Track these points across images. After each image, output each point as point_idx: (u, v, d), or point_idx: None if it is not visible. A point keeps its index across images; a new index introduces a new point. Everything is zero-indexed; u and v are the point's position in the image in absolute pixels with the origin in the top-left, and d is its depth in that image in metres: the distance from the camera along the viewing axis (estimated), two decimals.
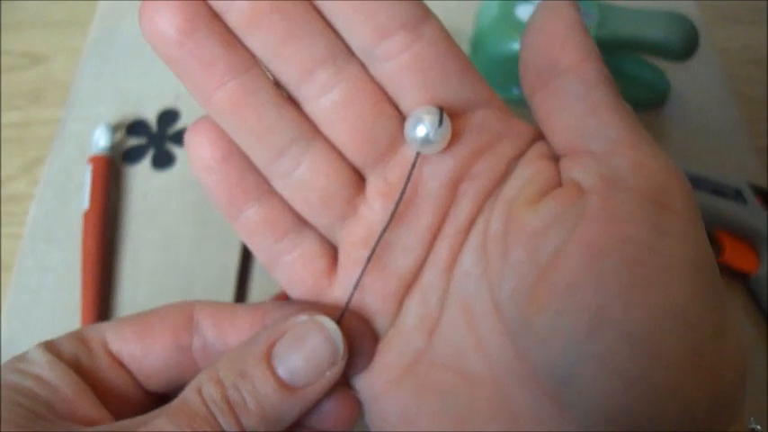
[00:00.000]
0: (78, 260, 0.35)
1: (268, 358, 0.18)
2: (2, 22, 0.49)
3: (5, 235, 0.39)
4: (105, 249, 0.36)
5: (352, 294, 0.19)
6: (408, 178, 0.19)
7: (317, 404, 0.18)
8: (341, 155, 0.19)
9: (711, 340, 0.16)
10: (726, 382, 0.16)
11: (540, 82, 0.18)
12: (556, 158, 0.19)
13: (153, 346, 0.19)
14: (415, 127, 0.18)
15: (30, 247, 0.37)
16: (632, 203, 0.16)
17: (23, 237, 0.37)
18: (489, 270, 0.18)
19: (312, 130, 0.19)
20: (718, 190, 0.35)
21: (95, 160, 0.38)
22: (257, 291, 0.35)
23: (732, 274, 0.35)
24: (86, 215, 0.36)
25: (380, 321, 0.20)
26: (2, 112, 0.45)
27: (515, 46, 0.37)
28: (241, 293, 0.35)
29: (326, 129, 0.19)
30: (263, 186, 0.20)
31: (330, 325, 0.18)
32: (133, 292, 0.35)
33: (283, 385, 0.17)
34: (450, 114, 0.18)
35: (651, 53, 0.37)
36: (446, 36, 0.18)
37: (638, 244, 0.16)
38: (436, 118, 0.18)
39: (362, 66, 0.19)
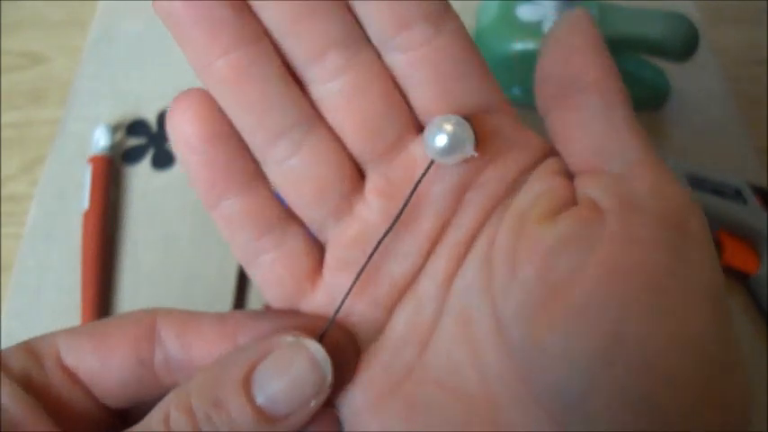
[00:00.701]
0: (78, 260, 0.35)
1: (246, 384, 0.16)
2: (2, 22, 0.49)
3: (5, 235, 0.39)
4: (105, 249, 0.36)
5: (338, 308, 0.18)
6: (416, 185, 0.18)
7: None
8: (343, 145, 0.18)
9: (724, 371, 0.15)
10: (734, 414, 0.15)
11: (558, 97, 0.18)
12: (570, 176, 0.18)
13: (111, 359, 0.17)
14: (435, 135, 0.17)
15: (30, 247, 0.37)
16: (652, 227, 0.16)
17: (23, 237, 0.37)
18: (493, 284, 0.17)
19: (315, 115, 0.18)
20: (719, 190, 0.35)
21: (95, 160, 0.38)
22: (257, 291, 0.35)
23: (732, 274, 0.35)
24: (86, 215, 0.36)
25: (365, 330, 0.18)
26: (2, 112, 0.45)
27: (515, 46, 0.37)
28: (241, 293, 0.35)
29: (331, 116, 0.18)
30: (250, 173, 0.18)
31: (318, 351, 0.17)
32: (133, 292, 0.35)
33: (263, 416, 0.16)
34: (464, 115, 0.18)
35: (651, 53, 0.37)
36: (467, 34, 0.18)
37: (659, 269, 0.15)
38: (462, 130, 0.17)
39: (377, 54, 0.18)
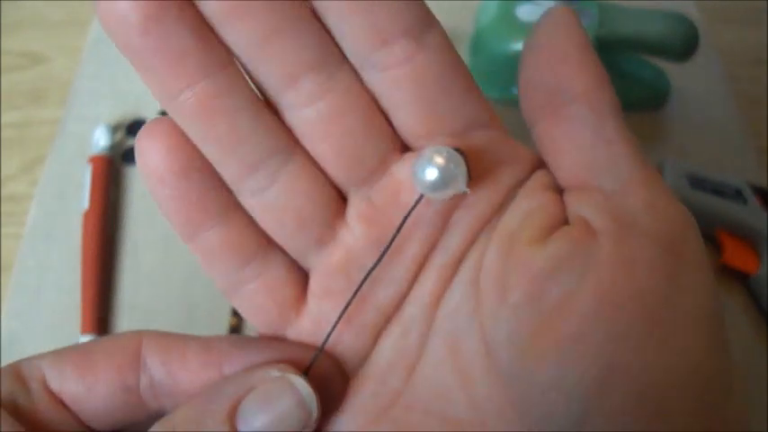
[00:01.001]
0: (78, 260, 0.35)
1: (231, 419, 0.16)
2: (2, 22, 0.49)
3: (5, 235, 0.39)
4: (105, 249, 0.36)
5: (326, 339, 0.17)
6: (404, 220, 0.17)
7: None
8: (321, 171, 0.17)
9: (724, 397, 0.15)
10: None
11: (545, 107, 0.17)
12: (559, 190, 0.17)
13: (96, 385, 0.17)
14: (425, 168, 0.16)
15: (30, 247, 0.37)
16: (647, 250, 0.15)
17: (23, 237, 0.37)
18: (482, 309, 0.17)
19: (292, 142, 0.17)
20: (719, 190, 0.35)
21: (95, 160, 0.38)
22: None
23: (732, 274, 0.35)
24: (86, 215, 0.36)
25: (352, 358, 0.18)
26: (2, 112, 0.45)
27: (515, 46, 0.37)
28: None
29: (309, 143, 0.17)
30: (225, 203, 0.17)
31: (304, 387, 0.16)
32: (133, 292, 0.35)
33: None
34: (445, 134, 0.17)
35: (651, 53, 0.37)
36: (450, 46, 0.17)
37: (654, 295, 0.15)
38: (455, 165, 0.16)
39: (355, 73, 0.17)
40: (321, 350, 0.17)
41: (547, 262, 0.16)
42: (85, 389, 0.17)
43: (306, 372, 0.17)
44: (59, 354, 0.18)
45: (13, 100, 0.46)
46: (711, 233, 0.35)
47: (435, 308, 0.18)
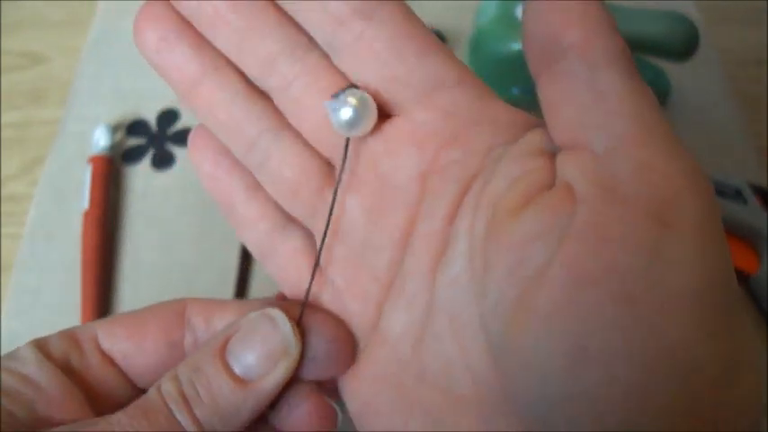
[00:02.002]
0: (78, 260, 0.35)
1: (222, 353, 0.18)
2: (2, 22, 0.49)
3: (5, 235, 0.40)
4: (105, 249, 0.36)
5: (308, 292, 0.19)
6: (343, 164, 0.18)
7: (289, 407, 0.18)
8: (309, 146, 0.20)
9: (717, 384, 0.14)
10: (734, 428, 0.14)
11: (542, 63, 0.16)
12: (554, 153, 0.16)
13: (144, 343, 0.19)
14: (332, 110, 0.18)
15: (30, 247, 0.37)
16: (628, 220, 0.14)
17: (23, 237, 0.37)
18: (475, 279, 0.16)
19: (281, 122, 0.20)
20: (719, 190, 0.35)
21: (95, 160, 0.38)
22: (257, 291, 0.35)
23: None
24: (86, 215, 0.36)
25: (360, 325, 0.19)
26: (2, 112, 0.45)
27: (515, 46, 0.37)
28: (241, 294, 0.35)
29: (294, 119, 0.20)
30: (252, 182, 0.21)
31: (279, 317, 0.18)
32: (133, 291, 0.35)
33: (236, 379, 0.17)
34: (409, 99, 0.18)
35: (651, 53, 0.37)
36: (404, 17, 0.18)
37: (628, 272, 0.14)
38: (349, 96, 0.18)
39: (326, 56, 0.19)
40: (307, 299, 0.19)
41: (521, 234, 0.15)
42: (134, 346, 0.19)
43: (299, 318, 0.19)
44: (112, 318, 0.20)
45: (13, 100, 0.46)
46: None
47: (433, 279, 0.18)
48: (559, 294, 0.14)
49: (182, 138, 0.40)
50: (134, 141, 0.40)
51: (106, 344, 0.19)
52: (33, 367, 0.18)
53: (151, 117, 0.41)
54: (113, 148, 0.39)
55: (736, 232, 0.35)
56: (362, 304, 0.19)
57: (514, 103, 0.19)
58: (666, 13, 0.36)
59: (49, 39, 0.49)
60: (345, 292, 0.19)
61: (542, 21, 0.16)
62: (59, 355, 0.18)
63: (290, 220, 0.20)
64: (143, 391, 0.19)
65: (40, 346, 0.18)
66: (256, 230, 0.21)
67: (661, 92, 0.40)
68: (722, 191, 0.35)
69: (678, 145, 0.15)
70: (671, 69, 0.40)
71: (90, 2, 0.48)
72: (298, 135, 0.20)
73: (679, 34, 0.36)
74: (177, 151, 0.40)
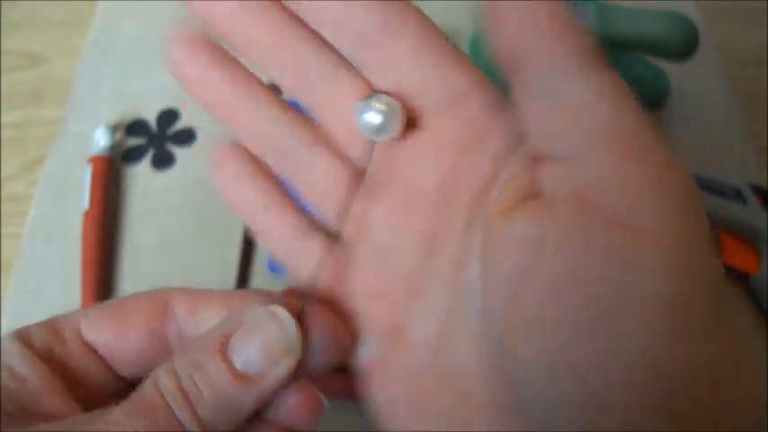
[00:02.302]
0: (78, 260, 0.35)
1: (223, 349, 0.17)
2: (2, 22, 0.49)
3: (5, 235, 0.40)
4: (105, 249, 0.36)
5: (308, 286, 0.19)
6: (366, 169, 0.19)
7: (277, 396, 0.18)
8: (340, 154, 0.20)
9: (717, 384, 0.14)
10: (734, 428, 0.14)
11: (510, 71, 0.16)
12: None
13: (127, 333, 0.19)
14: (360, 114, 0.18)
15: (30, 247, 0.37)
16: (597, 228, 0.14)
17: (23, 237, 0.37)
18: (483, 284, 0.17)
19: (312, 131, 0.20)
20: (719, 190, 0.35)
21: (95, 160, 0.38)
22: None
23: (732, 274, 0.35)
24: (86, 215, 0.36)
25: (383, 327, 0.19)
26: (2, 112, 0.45)
27: None
28: None
29: (324, 128, 0.20)
30: (276, 190, 0.21)
31: (284, 314, 0.18)
32: (133, 291, 0.35)
33: (238, 375, 0.17)
34: (430, 108, 0.18)
35: (651, 53, 0.37)
36: (424, 29, 0.18)
37: (597, 281, 0.14)
38: (378, 102, 0.18)
39: (353, 68, 0.19)
40: (308, 294, 0.19)
41: (509, 238, 0.16)
42: (117, 336, 0.19)
43: (300, 314, 0.19)
44: (93, 307, 0.20)
45: (13, 100, 0.46)
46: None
47: (454, 283, 0.18)
48: (535, 303, 0.15)
49: (182, 138, 0.40)
50: (134, 141, 0.40)
51: (89, 334, 0.19)
52: (16, 359, 0.18)
53: (151, 117, 0.41)
54: (113, 148, 0.39)
55: (736, 232, 0.35)
56: (385, 306, 0.19)
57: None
58: (666, 13, 0.36)
59: (49, 39, 0.49)
60: (368, 294, 0.19)
61: (504, 24, 0.15)
62: (41, 345, 0.18)
63: (313, 227, 0.21)
64: (125, 379, 0.19)
65: (22, 337, 0.18)
66: (281, 240, 0.21)
67: (661, 92, 0.40)
68: (722, 191, 0.35)
69: (652, 143, 0.14)
70: (671, 69, 0.40)
71: (90, 2, 0.48)
72: (328, 143, 0.20)
73: (679, 34, 0.36)
74: (177, 151, 0.40)
